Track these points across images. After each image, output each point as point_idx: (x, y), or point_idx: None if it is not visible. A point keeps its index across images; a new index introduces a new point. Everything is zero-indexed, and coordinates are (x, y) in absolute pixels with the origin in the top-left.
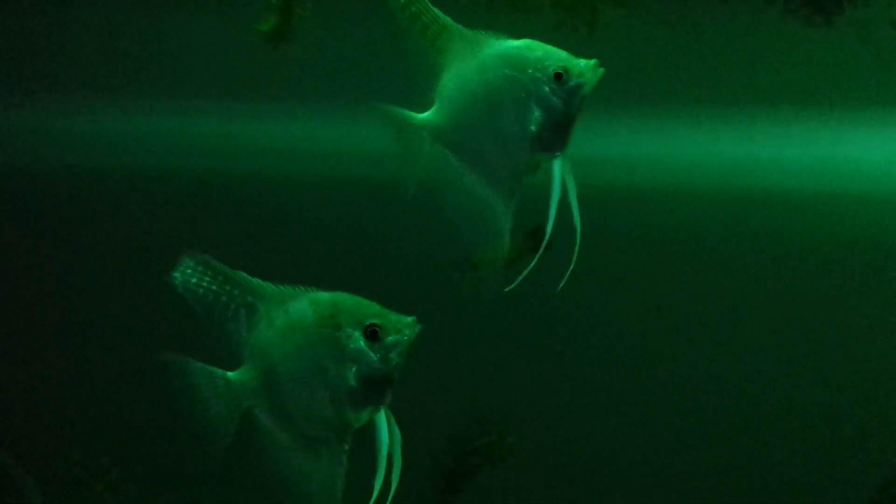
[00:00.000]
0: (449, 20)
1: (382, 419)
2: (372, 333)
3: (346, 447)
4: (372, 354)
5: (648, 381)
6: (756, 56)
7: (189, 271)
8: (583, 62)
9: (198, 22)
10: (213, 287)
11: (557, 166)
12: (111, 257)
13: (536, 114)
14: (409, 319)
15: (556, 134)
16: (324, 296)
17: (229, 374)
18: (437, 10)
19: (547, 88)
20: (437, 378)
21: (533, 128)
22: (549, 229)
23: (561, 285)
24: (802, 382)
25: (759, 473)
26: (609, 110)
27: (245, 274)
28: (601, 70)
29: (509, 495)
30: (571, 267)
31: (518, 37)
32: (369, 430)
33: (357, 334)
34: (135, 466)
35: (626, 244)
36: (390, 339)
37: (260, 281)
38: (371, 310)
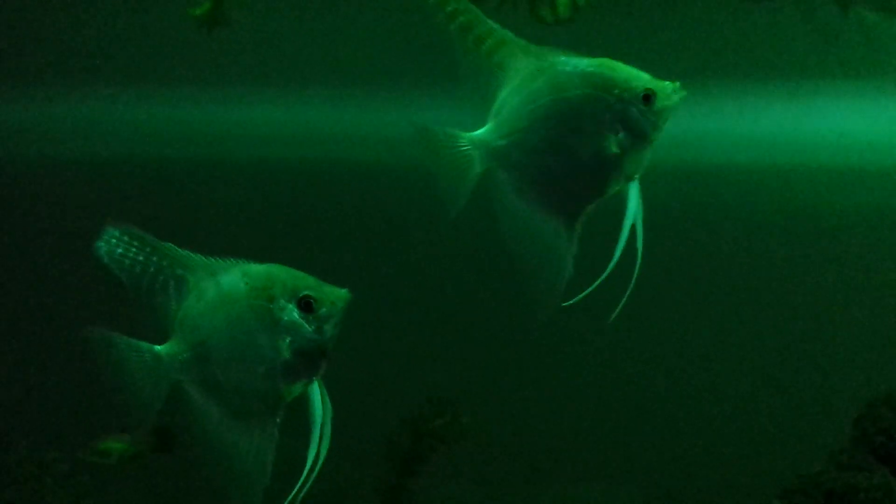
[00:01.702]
0: (509, 34)
1: (316, 391)
2: (306, 305)
3: (278, 420)
4: (306, 326)
5: (604, 360)
6: (702, 33)
7: (114, 241)
8: (668, 84)
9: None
10: (140, 258)
11: (635, 189)
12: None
13: (621, 136)
14: (343, 291)
15: (638, 157)
16: (256, 267)
17: (157, 347)
18: (493, 23)
19: (635, 110)
20: (389, 360)
21: (616, 150)
22: (618, 250)
23: (615, 314)
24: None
25: (717, 452)
26: None
27: (174, 245)
28: (684, 92)
29: (465, 476)
30: (629, 291)
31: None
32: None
33: (291, 306)
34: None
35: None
36: (324, 310)
37: (189, 252)
38: (305, 282)
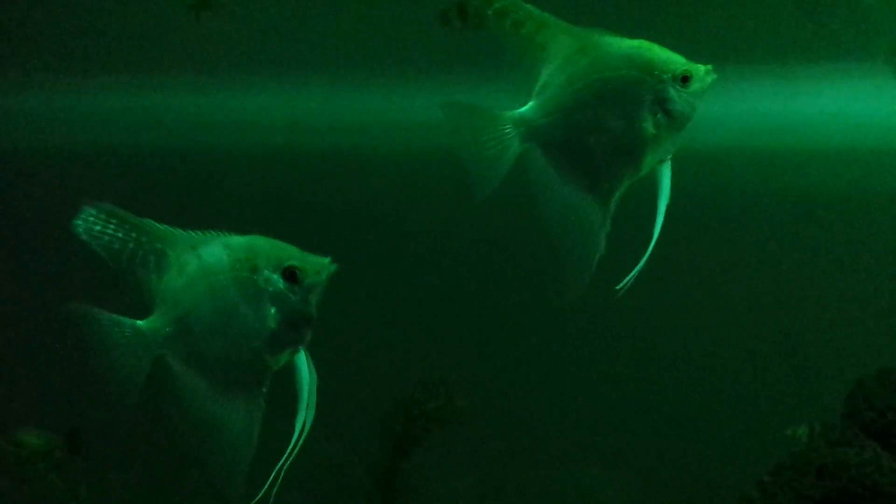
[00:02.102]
0: (548, 16)
1: (303, 360)
2: (291, 275)
3: (264, 391)
4: (292, 296)
5: (602, 344)
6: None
7: (91, 219)
8: (702, 66)
9: None
10: (119, 234)
11: (667, 169)
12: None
13: (659, 116)
14: (326, 260)
15: (673, 137)
16: (238, 239)
17: (138, 322)
18: (530, 6)
19: (673, 91)
20: (383, 343)
21: (653, 130)
22: (656, 231)
23: (622, 285)
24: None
25: (712, 434)
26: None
27: (153, 221)
28: (715, 75)
29: (462, 460)
30: (639, 266)
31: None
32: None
33: (276, 277)
34: (81, 445)
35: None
36: (309, 280)
37: (169, 227)
38: (289, 252)
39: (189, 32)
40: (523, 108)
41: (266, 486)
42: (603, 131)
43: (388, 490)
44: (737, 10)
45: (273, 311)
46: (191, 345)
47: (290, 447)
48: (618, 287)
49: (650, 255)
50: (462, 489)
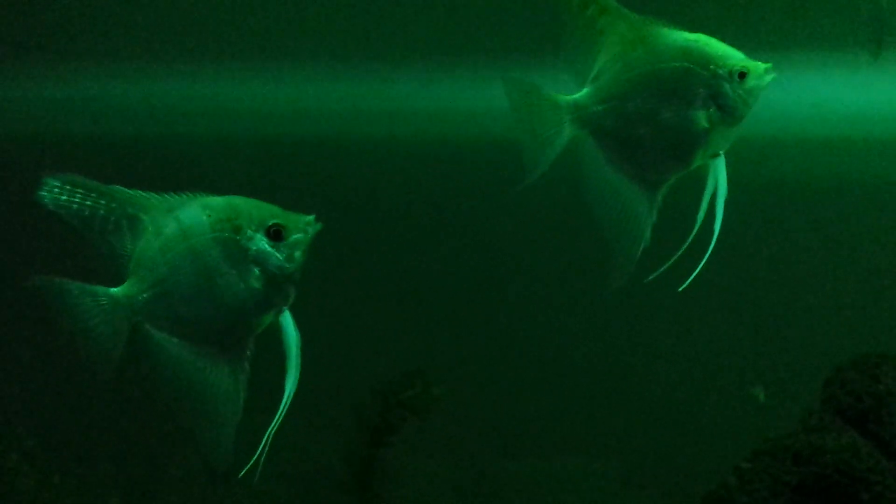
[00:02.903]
0: (613, 2)
1: (288, 319)
2: (275, 233)
3: (249, 354)
4: (277, 254)
5: (582, 333)
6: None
7: (56, 189)
8: (761, 64)
9: None
10: (88, 202)
11: (721, 164)
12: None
13: (712, 110)
14: (310, 218)
15: (726, 133)
16: (217, 200)
17: (112, 290)
18: None
19: (727, 86)
20: (360, 332)
21: (706, 124)
22: (698, 222)
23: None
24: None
25: (692, 421)
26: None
27: (122, 187)
28: (774, 74)
29: (442, 450)
30: (699, 267)
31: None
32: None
33: (259, 235)
34: (53, 435)
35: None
36: (294, 237)
37: (140, 192)
38: (271, 210)
39: (192, 19)
40: (578, 94)
41: (259, 451)
42: (655, 122)
43: (363, 479)
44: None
45: (257, 270)
46: (170, 309)
47: (281, 407)
48: (647, 279)
49: (691, 249)
50: (441, 478)
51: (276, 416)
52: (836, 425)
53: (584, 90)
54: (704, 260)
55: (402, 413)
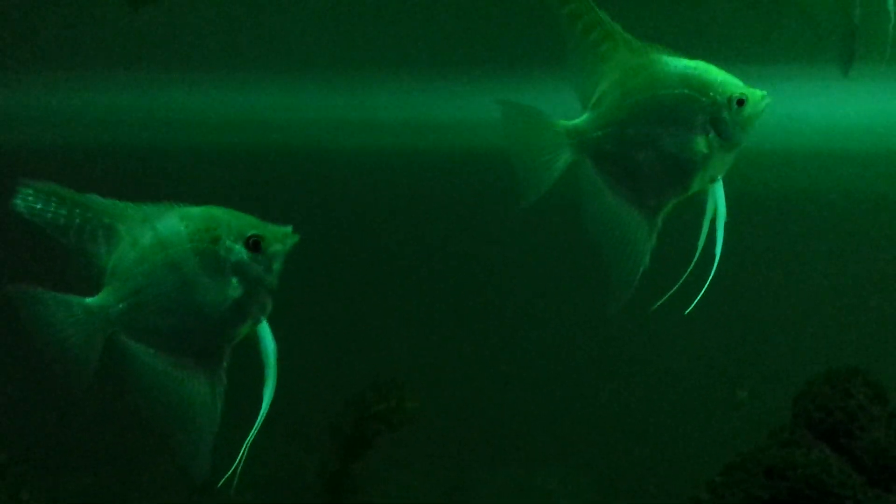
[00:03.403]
0: (616, 26)
1: (266, 330)
2: (255, 244)
3: (225, 364)
4: (256, 265)
5: (561, 345)
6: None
7: (31, 197)
8: (758, 92)
9: None
10: (63, 210)
11: (719, 188)
12: None
13: (711, 136)
14: (288, 229)
15: (724, 158)
16: (194, 210)
17: (87, 300)
18: (602, 13)
19: (726, 114)
20: (334, 343)
21: (704, 150)
22: (700, 246)
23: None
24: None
25: (669, 435)
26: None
27: (97, 196)
28: (770, 100)
29: (418, 463)
30: (703, 291)
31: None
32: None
33: (238, 247)
34: (23, 448)
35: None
36: (273, 248)
37: (116, 201)
38: (250, 221)
39: (188, 29)
40: (578, 120)
41: (237, 461)
42: (654, 148)
43: (338, 492)
44: (689, 12)
45: (236, 281)
46: (146, 320)
47: (260, 417)
48: (654, 306)
49: (690, 270)
50: (416, 491)
51: (255, 426)
52: (807, 440)
53: (584, 115)
54: (707, 285)
55: (376, 426)
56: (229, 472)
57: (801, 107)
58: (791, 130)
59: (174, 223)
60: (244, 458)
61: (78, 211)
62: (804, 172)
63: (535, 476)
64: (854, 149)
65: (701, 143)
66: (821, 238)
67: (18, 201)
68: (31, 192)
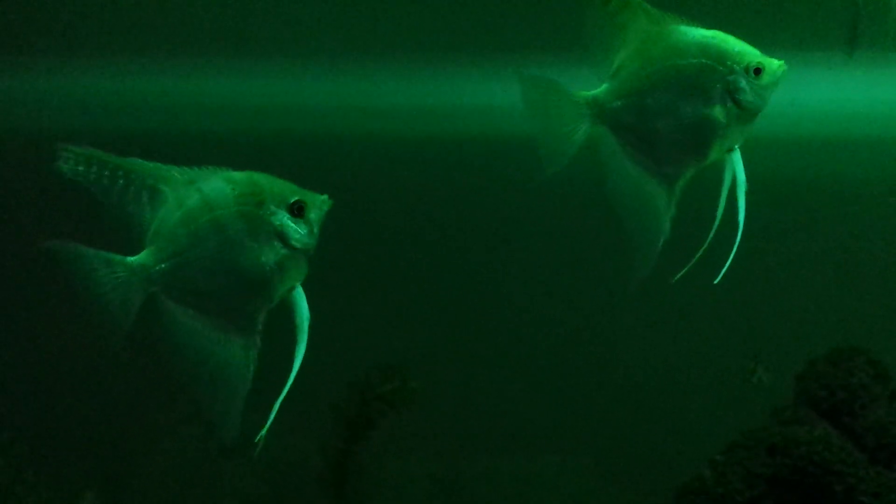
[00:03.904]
0: None
1: (301, 294)
2: (298, 209)
3: (260, 328)
4: (299, 230)
5: (561, 332)
6: None
7: (72, 161)
8: (775, 61)
9: None
10: (106, 172)
11: (737, 158)
12: None
13: (729, 105)
14: (324, 196)
15: (742, 127)
16: (239, 175)
17: (129, 259)
18: None
19: (744, 82)
20: (338, 326)
21: (722, 119)
22: (718, 217)
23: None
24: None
25: (669, 417)
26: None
27: (140, 159)
28: (786, 69)
29: (421, 449)
30: (730, 259)
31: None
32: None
33: (281, 211)
34: (28, 429)
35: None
36: (313, 214)
37: (159, 164)
38: (290, 187)
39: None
40: (597, 90)
41: (269, 423)
42: (673, 117)
43: (340, 474)
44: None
45: (279, 245)
46: (188, 281)
47: (290, 378)
48: (676, 277)
49: (717, 244)
50: (418, 474)
51: (285, 388)
52: (810, 418)
53: (603, 86)
54: (733, 253)
55: (379, 408)
56: (263, 430)
57: (804, 93)
58: (795, 117)
59: (220, 186)
60: (272, 419)
61: (121, 173)
62: (808, 159)
63: (536, 461)
64: (858, 135)
65: (719, 112)
66: (824, 224)
67: (61, 163)
68: (73, 154)
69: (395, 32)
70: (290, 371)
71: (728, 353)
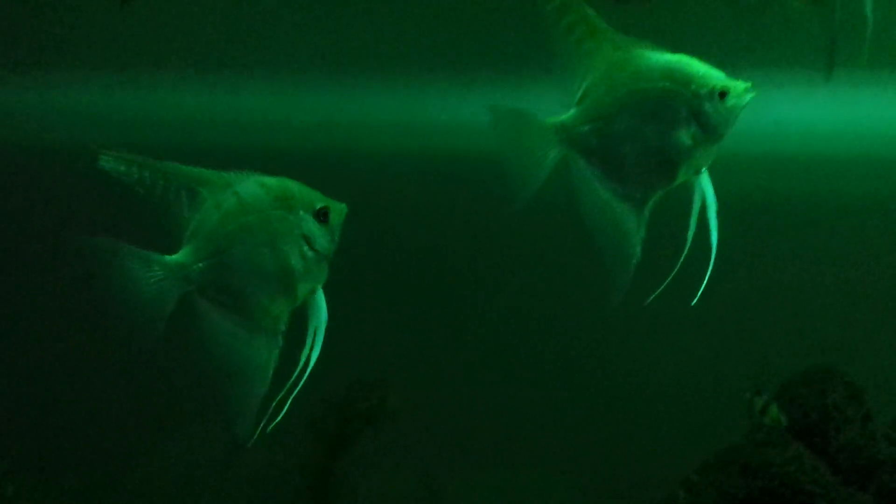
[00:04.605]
0: (601, 23)
1: (321, 296)
2: (323, 215)
3: (283, 328)
4: (324, 235)
5: (539, 345)
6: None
7: (112, 161)
8: (741, 83)
9: None
10: (146, 173)
11: (705, 180)
12: None
13: (694, 129)
14: (343, 205)
15: (708, 150)
16: (271, 179)
17: (167, 257)
18: (587, 9)
19: (708, 105)
20: (335, 344)
21: (688, 142)
22: (689, 239)
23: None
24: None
25: (652, 436)
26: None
27: (175, 163)
28: (754, 92)
29: (404, 464)
30: (705, 281)
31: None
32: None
33: (308, 216)
34: (8, 444)
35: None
36: (336, 220)
37: (194, 167)
38: (316, 194)
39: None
40: (564, 116)
41: (280, 415)
42: (639, 141)
43: (320, 491)
44: (673, 17)
45: (306, 248)
46: (222, 280)
47: (306, 373)
48: (648, 300)
49: (679, 264)
50: (399, 490)
51: (300, 382)
52: (784, 439)
53: (571, 111)
54: (708, 274)
55: (358, 424)
56: (274, 422)
57: (785, 112)
58: (776, 135)
59: (256, 190)
60: (280, 415)
61: (160, 174)
62: (789, 177)
63: (518, 477)
64: (837, 153)
65: (684, 136)
66: (805, 242)
67: (102, 162)
68: (112, 154)
69: (377, 48)
70: (297, 370)
71: (712, 372)
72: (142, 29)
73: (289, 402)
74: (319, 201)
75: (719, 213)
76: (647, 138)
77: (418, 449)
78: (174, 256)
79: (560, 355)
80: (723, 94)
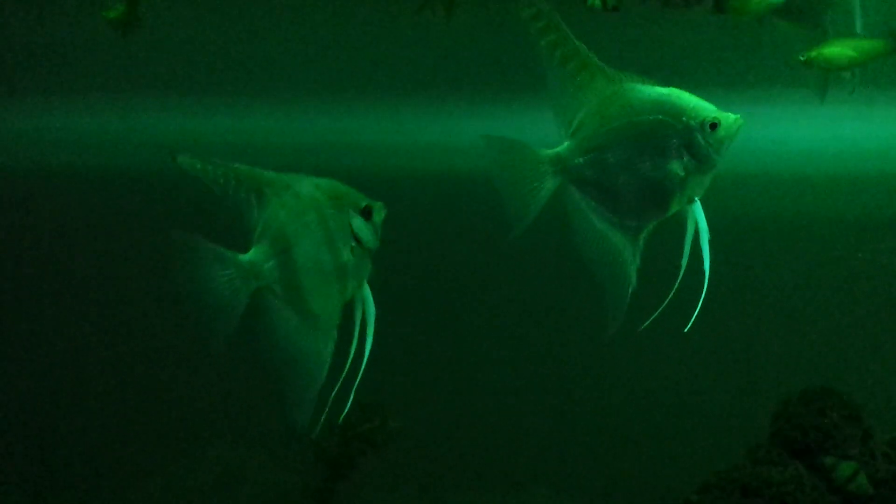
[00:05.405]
0: (592, 56)
1: (368, 290)
2: (368, 213)
3: (338, 321)
4: (369, 232)
5: (541, 366)
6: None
7: (188, 161)
8: (731, 116)
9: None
10: (220, 171)
11: (698, 209)
12: None
13: (686, 160)
14: (381, 203)
15: (700, 180)
16: (323, 181)
17: (240, 256)
18: (579, 43)
19: (700, 137)
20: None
21: (680, 173)
22: (683, 267)
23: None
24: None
25: (653, 455)
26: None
27: (243, 165)
28: (743, 123)
29: (407, 484)
30: (698, 308)
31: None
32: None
33: (356, 214)
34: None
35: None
36: (378, 218)
37: (257, 168)
38: (360, 194)
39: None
40: (559, 148)
41: (347, 407)
42: (633, 172)
43: None
44: (672, 40)
45: (355, 244)
46: (289, 277)
47: (362, 367)
48: (642, 327)
49: (672, 291)
50: None
51: (358, 374)
52: (783, 458)
53: (566, 143)
54: (701, 301)
55: (360, 447)
56: (343, 411)
57: (782, 131)
58: (772, 154)
59: (311, 190)
60: (349, 403)
61: (232, 174)
62: (785, 196)
63: (518, 497)
64: (834, 172)
65: (676, 167)
66: (801, 260)
67: (181, 159)
68: (188, 154)
69: (377, 73)
70: (349, 362)
71: (707, 393)
72: (141, 54)
73: (352, 392)
74: (364, 200)
75: (712, 237)
76: (641, 169)
77: (422, 468)
78: (246, 255)
79: (560, 376)
80: (713, 126)
